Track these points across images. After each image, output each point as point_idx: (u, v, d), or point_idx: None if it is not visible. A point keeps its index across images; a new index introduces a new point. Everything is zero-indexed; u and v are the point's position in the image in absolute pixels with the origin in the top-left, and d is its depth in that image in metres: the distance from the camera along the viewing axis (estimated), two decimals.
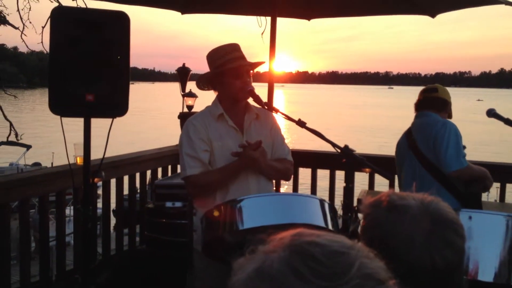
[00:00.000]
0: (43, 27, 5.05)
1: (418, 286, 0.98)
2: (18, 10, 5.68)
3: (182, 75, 8.35)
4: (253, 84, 2.48)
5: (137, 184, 4.33)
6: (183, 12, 4.21)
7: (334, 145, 2.20)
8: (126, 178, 4.11)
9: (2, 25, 6.11)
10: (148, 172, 4.46)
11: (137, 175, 4.26)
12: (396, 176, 3.37)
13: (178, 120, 5.58)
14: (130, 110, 2.80)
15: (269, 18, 3.86)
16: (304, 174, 4.55)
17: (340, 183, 2.92)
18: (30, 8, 5.75)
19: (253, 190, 2.40)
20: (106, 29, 2.65)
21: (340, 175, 4.04)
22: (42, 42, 5.21)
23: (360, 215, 1.73)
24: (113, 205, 4.06)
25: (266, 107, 2.51)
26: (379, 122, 49.24)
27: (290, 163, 2.63)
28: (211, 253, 2.10)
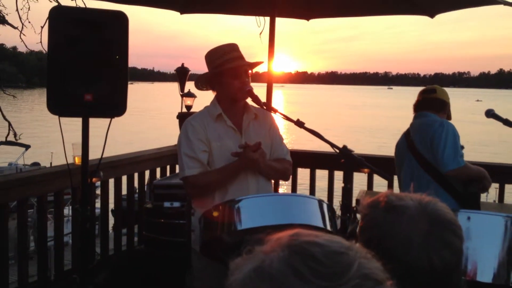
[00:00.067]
0: (42, 27, 5.04)
1: (416, 286, 0.98)
2: (17, 9, 5.67)
3: (181, 75, 8.34)
4: (252, 84, 2.48)
5: (136, 184, 4.32)
6: (182, 12, 4.21)
7: (332, 145, 2.19)
8: (124, 178, 4.11)
9: (1, 25, 6.10)
10: (147, 172, 4.46)
11: (136, 175, 4.25)
12: (395, 177, 3.37)
13: (177, 120, 5.57)
14: (128, 110, 2.80)
15: (267, 18, 3.86)
16: (303, 174, 4.55)
17: (339, 184, 2.91)
18: (29, 8, 5.74)
19: (252, 190, 2.40)
20: (105, 29, 2.65)
21: (339, 175, 4.03)
22: (41, 42, 5.19)
23: (358, 216, 1.73)
24: (111, 205, 4.05)
25: (264, 107, 2.50)
26: (378, 123, 49.28)
27: (289, 163, 2.63)
28: (209, 253, 2.10)
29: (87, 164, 2.79)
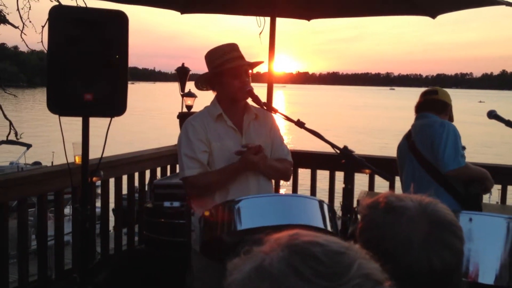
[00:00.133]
0: (42, 27, 5.03)
1: None
2: (18, 9, 5.66)
3: (181, 75, 8.32)
4: (253, 84, 2.47)
5: (136, 184, 4.32)
6: (182, 12, 4.21)
7: (333, 145, 2.19)
8: (125, 178, 4.11)
9: (2, 24, 6.10)
10: (147, 172, 4.46)
11: (136, 174, 4.25)
12: (397, 178, 3.36)
13: (177, 120, 5.57)
14: (129, 110, 2.80)
15: (268, 18, 3.86)
16: (304, 175, 4.54)
17: (339, 184, 2.90)
18: (30, 7, 5.73)
19: (253, 191, 2.40)
20: (105, 29, 2.65)
21: (339, 176, 4.02)
22: (42, 41, 5.19)
23: (359, 217, 1.72)
24: (112, 204, 4.05)
25: (265, 107, 2.50)
26: (380, 123, 49.23)
27: (289, 163, 2.63)
28: (209, 253, 2.10)
29: (87, 163, 2.79)
